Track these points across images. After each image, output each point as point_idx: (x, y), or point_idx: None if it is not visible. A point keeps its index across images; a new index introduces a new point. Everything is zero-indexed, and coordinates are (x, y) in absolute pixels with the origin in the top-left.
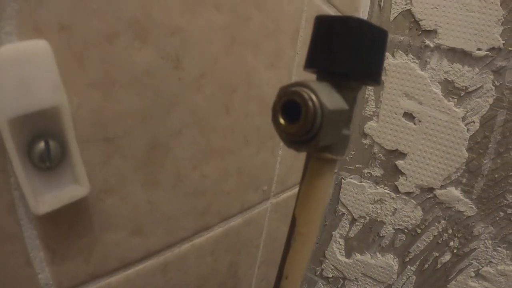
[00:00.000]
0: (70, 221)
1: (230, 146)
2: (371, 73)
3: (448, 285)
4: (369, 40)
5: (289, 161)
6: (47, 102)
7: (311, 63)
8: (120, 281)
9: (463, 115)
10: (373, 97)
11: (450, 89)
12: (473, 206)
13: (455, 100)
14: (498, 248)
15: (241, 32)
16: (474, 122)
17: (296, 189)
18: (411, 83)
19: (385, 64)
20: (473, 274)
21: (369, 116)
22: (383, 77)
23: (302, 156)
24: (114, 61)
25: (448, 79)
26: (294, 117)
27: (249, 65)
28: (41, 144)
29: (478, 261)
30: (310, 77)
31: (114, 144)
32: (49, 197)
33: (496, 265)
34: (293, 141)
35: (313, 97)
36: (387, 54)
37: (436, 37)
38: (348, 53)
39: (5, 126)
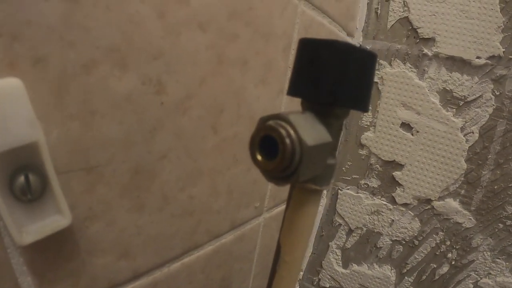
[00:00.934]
0: (56, 248)
1: (219, 166)
2: (359, 100)
3: None
4: (357, 65)
5: None
6: (23, 138)
7: (294, 92)
8: None
9: (462, 125)
10: (370, 107)
11: (449, 99)
12: (471, 217)
13: (454, 110)
14: (497, 260)
15: (228, 50)
16: (473, 132)
17: None
18: (408, 93)
19: (382, 73)
20: (471, 286)
21: (366, 126)
22: (380, 87)
23: None
24: (93, 91)
25: (447, 88)
26: (272, 152)
27: (237, 83)
28: (21, 178)
29: (476, 272)
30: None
31: (97, 172)
32: (32, 228)
33: (495, 277)
34: (272, 176)
35: (292, 132)
36: (384, 62)
37: (434, 45)
38: (333, 80)
39: None
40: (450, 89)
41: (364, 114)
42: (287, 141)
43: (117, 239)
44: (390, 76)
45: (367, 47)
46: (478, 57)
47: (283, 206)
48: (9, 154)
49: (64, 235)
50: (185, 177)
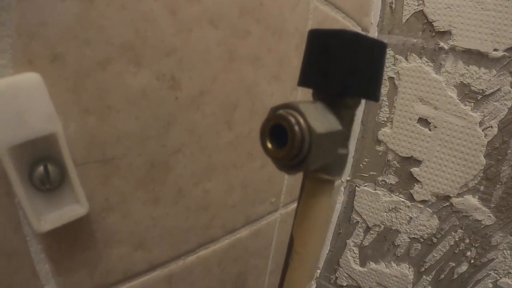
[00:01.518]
0: (73, 237)
1: (233, 161)
2: (369, 89)
3: None
4: (366, 54)
5: None
6: (42, 130)
7: (304, 82)
8: None
9: (480, 119)
10: (386, 103)
11: (466, 93)
12: (491, 214)
13: (472, 104)
14: None
15: (240, 47)
16: (492, 127)
17: None
18: (425, 87)
19: (399, 68)
20: (490, 286)
21: (383, 122)
22: (396, 82)
23: None
24: (108, 87)
25: (464, 82)
26: (283, 141)
27: (250, 80)
28: (41, 168)
29: (496, 272)
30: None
31: (113, 165)
32: (51, 216)
33: None
34: (283, 165)
35: (301, 120)
36: (400, 57)
37: (450, 39)
38: (343, 70)
39: (5, 154)
40: (468, 83)
41: (381, 110)
42: (296, 128)
43: (133, 231)
44: (407, 71)
45: (384, 40)
46: (495, 50)
47: None
48: (29, 145)
49: (81, 225)
50: (200, 171)
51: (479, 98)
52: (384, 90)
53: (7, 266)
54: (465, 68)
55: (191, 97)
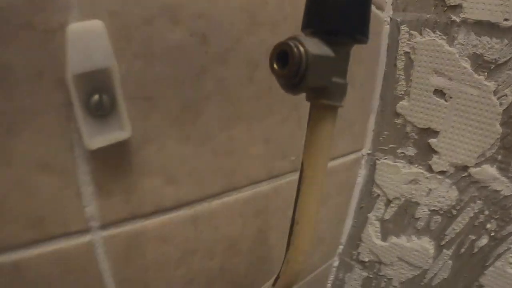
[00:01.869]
0: (116, 163)
1: (255, 113)
2: (357, 27)
3: (485, 272)
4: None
5: None
6: (102, 64)
7: (304, 26)
8: (155, 225)
9: (495, 88)
10: (403, 77)
11: (480, 63)
12: (509, 185)
13: (486, 74)
14: None
15: (259, 13)
16: (506, 95)
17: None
18: (440, 60)
19: (413, 43)
20: (511, 261)
21: (400, 95)
22: (412, 56)
23: None
24: (152, 39)
25: (477, 53)
26: (286, 63)
27: (269, 43)
28: (96, 97)
29: None
30: None
31: (153, 103)
32: (100, 137)
33: None
34: (287, 84)
35: (299, 45)
36: (414, 33)
37: (462, 12)
38: (333, 10)
39: (71, 80)
40: (481, 53)
41: (398, 83)
42: (295, 50)
43: (165, 164)
44: (421, 45)
45: (398, 19)
46: (505, 19)
47: None
48: (90, 76)
49: (123, 151)
50: (225, 118)
51: (492, 67)
52: (400, 64)
53: (54, 184)
54: (477, 39)
55: (218, 53)
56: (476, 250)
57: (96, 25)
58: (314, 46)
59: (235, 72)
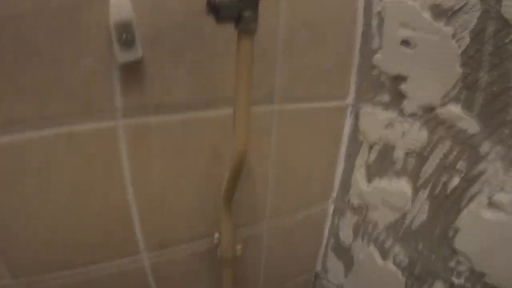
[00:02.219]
0: (133, 73)
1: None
2: None
3: (460, 215)
4: None
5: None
6: (127, 17)
7: None
8: (156, 121)
9: (453, 32)
10: (377, 33)
11: (439, 12)
12: (475, 123)
13: (444, 20)
14: (510, 173)
15: None
16: (464, 37)
17: None
18: (404, 14)
19: (383, 3)
20: (486, 202)
21: (375, 49)
22: (382, 14)
23: None
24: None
25: (435, 3)
26: None
27: None
28: (124, 35)
29: (489, 186)
30: None
31: (154, 40)
32: (125, 57)
33: (511, 193)
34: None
35: None
36: None
37: None
38: None
39: (112, 26)
40: (439, 3)
41: (373, 39)
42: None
43: (162, 77)
44: (389, 3)
45: None
46: None
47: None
48: (121, 24)
49: (137, 66)
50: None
51: (449, 14)
52: (374, 23)
53: (99, 83)
54: None
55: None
56: (449, 191)
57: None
58: None
59: None
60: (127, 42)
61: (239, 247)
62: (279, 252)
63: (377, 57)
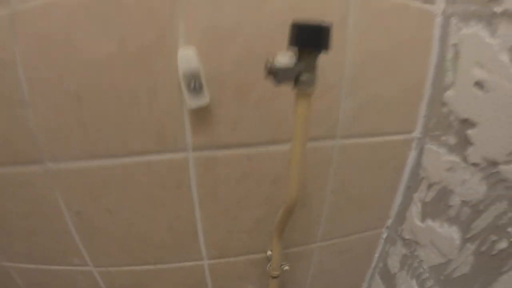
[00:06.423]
0: (202, 115)
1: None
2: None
3: (499, 278)
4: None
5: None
6: (194, 67)
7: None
8: (223, 154)
9: None
10: (451, 67)
11: None
12: None
13: None
14: None
15: None
16: None
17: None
18: (481, 52)
19: (461, 35)
20: None
21: (447, 85)
22: (459, 48)
23: None
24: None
25: None
26: None
27: None
28: (193, 82)
29: None
30: None
31: (222, 84)
32: (194, 103)
33: None
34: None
35: (270, 60)
36: (461, 24)
37: (503, 2)
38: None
39: (181, 76)
40: None
41: (446, 74)
42: (267, 64)
43: (230, 118)
44: (466, 37)
45: (448, 11)
46: None
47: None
48: (189, 73)
49: (205, 109)
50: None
51: None
52: (449, 55)
53: (181, 121)
54: None
55: None
56: (495, 252)
57: (191, 49)
58: (281, 59)
59: None
60: (195, 89)
61: (286, 267)
62: (327, 270)
63: (449, 94)
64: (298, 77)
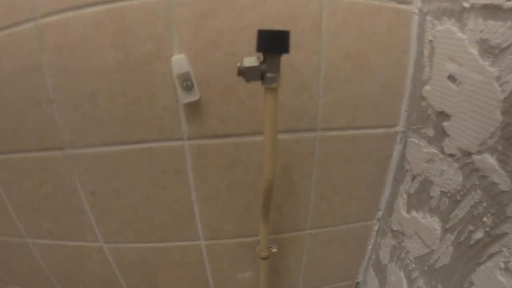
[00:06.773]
0: (193, 110)
1: None
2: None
3: (477, 269)
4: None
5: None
6: (185, 69)
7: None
8: (213, 143)
9: (498, 74)
10: (428, 63)
11: (485, 48)
12: (507, 179)
13: (490, 59)
14: None
15: None
16: (509, 81)
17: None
18: (453, 47)
19: (435, 32)
20: (502, 266)
21: (425, 80)
22: (434, 44)
23: None
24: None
25: (483, 38)
26: None
27: None
28: (185, 82)
29: (509, 250)
30: None
31: (210, 84)
32: (186, 99)
33: None
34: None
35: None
36: (436, 21)
37: None
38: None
39: (176, 77)
40: (486, 38)
41: (424, 69)
42: (238, 65)
43: (219, 111)
44: (440, 33)
45: (424, 9)
46: (508, 0)
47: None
48: (182, 74)
49: (196, 104)
50: None
51: (496, 52)
52: (426, 51)
53: (171, 117)
54: (483, 24)
55: None
56: (472, 242)
57: (182, 56)
58: (247, 61)
59: None
60: (188, 88)
61: (274, 249)
62: (320, 259)
63: (426, 89)
64: (264, 75)
